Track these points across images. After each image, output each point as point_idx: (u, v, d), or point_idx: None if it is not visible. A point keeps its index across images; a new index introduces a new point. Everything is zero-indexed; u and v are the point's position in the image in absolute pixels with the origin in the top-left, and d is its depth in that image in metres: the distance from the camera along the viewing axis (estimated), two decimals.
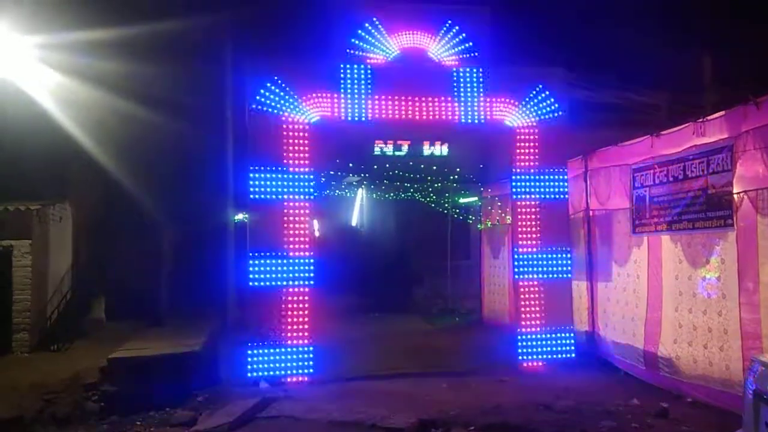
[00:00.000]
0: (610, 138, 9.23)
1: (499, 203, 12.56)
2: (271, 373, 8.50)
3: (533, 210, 9.38)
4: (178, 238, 15.26)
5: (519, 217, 9.43)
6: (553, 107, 9.46)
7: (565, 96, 9.66)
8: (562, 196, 9.49)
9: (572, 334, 9.38)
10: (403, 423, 6.72)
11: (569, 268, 9.41)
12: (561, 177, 9.50)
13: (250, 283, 8.54)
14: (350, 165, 11.93)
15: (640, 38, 14.26)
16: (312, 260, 8.71)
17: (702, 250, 7.12)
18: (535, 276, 9.30)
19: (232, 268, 12.20)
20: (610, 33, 14.45)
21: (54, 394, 8.36)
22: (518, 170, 9.44)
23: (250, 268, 8.53)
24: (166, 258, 14.96)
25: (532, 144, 9.45)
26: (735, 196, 6.56)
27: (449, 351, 10.90)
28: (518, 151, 9.45)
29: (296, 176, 8.72)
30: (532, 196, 9.38)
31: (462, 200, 15.03)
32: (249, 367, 8.46)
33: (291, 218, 8.66)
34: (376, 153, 9.51)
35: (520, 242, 9.37)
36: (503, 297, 12.61)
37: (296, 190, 8.71)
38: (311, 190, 8.82)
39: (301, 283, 8.63)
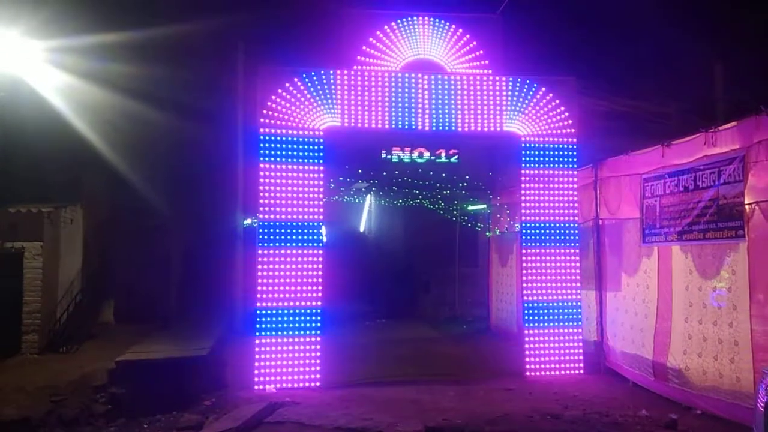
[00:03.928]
0: (620, 147, 9.21)
1: (507, 211, 12.54)
2: (278, 378, 8.49)
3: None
4: (187, 242, 15.35)
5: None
6: (563, 116, 9.46)
7: (576, 105, 9.65)
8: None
9: (580, 343, 9.33)
10: (409, 430, 6.70)
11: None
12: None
13: (258, 288, 8.54)
14: (359, 171, 11.97)
15: (652, 46, 14.24)
16: (321, 260, 8.71)
17: (713, 261, 7.07)
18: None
19: (240, 272, 12.24)
20: (621, 41, 14.44)
21: (62, 396, 8.41)
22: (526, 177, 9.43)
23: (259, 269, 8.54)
24: (175, 261, 15.06)
25: (541, 153, 9.44)
26: (746, 206, 6.52)
27: (456, 358, 10.87)
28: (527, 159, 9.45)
29: (307, 181, 8.75)
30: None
31: (470, 207, 15.02)
32: (256, 371, 8.47)
33: (302, 223, 8.68)
34: (386, 159, 9.51)
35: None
36: (511, 305, 12.56)
37: (308, 194, 8.73)
38: (322, 194, 8.85)
39: (311, 287, 8.63)
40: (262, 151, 8.71)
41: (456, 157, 9.52)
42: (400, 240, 18.19)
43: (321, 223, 8.82)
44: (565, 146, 9.47)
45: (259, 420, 7.09)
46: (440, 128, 9.18)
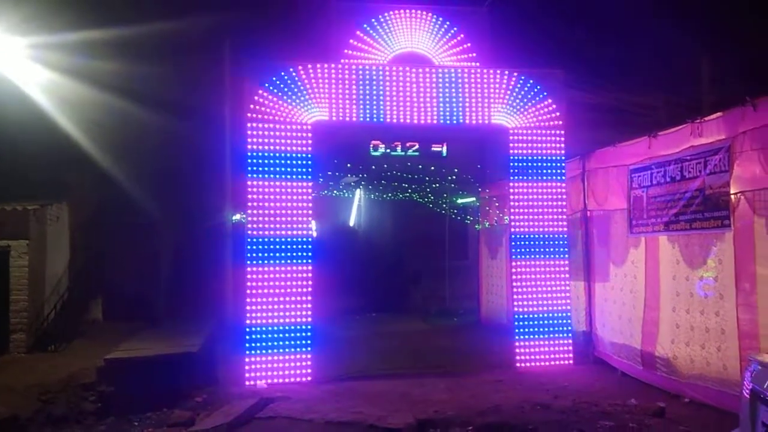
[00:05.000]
0: (607, 138, 9.25)
1: (496, 203, 12.58)
2: (269, 373, 8.49)
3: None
4: (175, 239, 15.25)
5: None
6: (551, 108, 9.48)
7: (563, 97, 9.67)
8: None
9: (570, 334, 9.40)
10: (400, 423, 6.72)
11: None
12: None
13: (248, 283, 8.52)
14: (348, 165, 11.94)
15: (638, 38, 14.29)
16: (311, 261, 8.71)
17: (699, 251, 7.14)
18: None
19: (229, 268, 12.19)
20: (608, 34, 14.47)
21: (51, 395, 8.36)
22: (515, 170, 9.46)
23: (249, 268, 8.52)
24: (164, 258, 14.96)
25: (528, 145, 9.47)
26: (732, 196, 6.58)
27: (447, 351, 10.90)
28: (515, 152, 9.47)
29: (296, 176, 8.72)
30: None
31: (460, 201, 15.05)
32: (247, 367, 8.45)
33: (292, 218, 8.66)
34: (373, 153, 9.48)
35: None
36: (501, 297, 12.62)
37: (296, 189, 8.71)
38: (311, 190, 8.83)
39: (301, 283, 8.62)
40: (249, 146, 8.67)
41: (444, 150, 9.52)
42: (390, 234, 18.20)
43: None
44: (553, 138, 9.50)
45: (251, 415, 7.08)
46: (428, 121, 9.17)
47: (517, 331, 9.33)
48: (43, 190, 12.05)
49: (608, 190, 9.00)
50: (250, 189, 8.61)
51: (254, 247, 8.56)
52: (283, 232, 8.62)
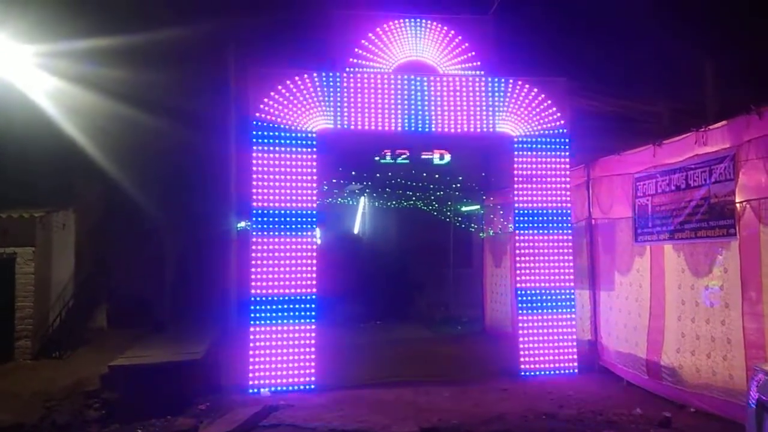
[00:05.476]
0: (612, 146, 9.24)
1: (501, 211, 12.57)
2: (273, 380, 8.48)
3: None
4: (180, 246, 15.30)
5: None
6: (555, 116, 9.49)
7: (568, 105, 9.68)
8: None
9: (574, 342, 9.36)
10: (404, 431, 6.70)
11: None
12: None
13: (252, 290, 8.53)
14: (353, 173, 11.97)
15: (643, 47, 14.31)
16: (314, 268, 8.71)
17: (704, 260, 7.11)
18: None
19: (234, 275, 12.21)
20: (613, 41, 14.50)
21: (55, 402, 8.36)
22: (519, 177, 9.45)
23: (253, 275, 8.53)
24: (169, 265, 15.00)
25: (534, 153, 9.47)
26: (737, 205, 6.56)
27: (451, 359, 10.87)
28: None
29: (301, 184, 8.75)
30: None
31: (464, 208, 15.04)
32: (250, 375, 8.45)
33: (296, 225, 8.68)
34: (379, 161, 9.51)
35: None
36: (505, 305, 12.58)
37: (301, 197, 8.73)
38: (315, 198, 8.84)
39: (305, 291, 8.62)
40: (255, 151, 8.70)
41: (449, 158, 9.53)
42: (395, 241, 18.19)
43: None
44: (558, 146, 9.50)
45: (254, 423, 7.08)
46: (433, 130, 9.19)
47: (521, 339, 9.30)
48: (50, 197, 12.11)
49: (613, 198, 8.99)
50: (255, 195, 8.63)
51: (259, 254, 8.57)
52: (289, 238, 8.63)
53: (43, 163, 11.82)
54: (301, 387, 8.53)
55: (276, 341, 8.52)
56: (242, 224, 13.24)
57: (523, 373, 9.19)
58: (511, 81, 9.43)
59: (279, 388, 8.45)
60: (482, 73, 9.43)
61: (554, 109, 9.49)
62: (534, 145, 9.47)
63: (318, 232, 9.22)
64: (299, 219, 8.69)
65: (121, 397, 8.34)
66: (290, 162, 8.74)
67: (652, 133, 9.63)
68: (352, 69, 9.14)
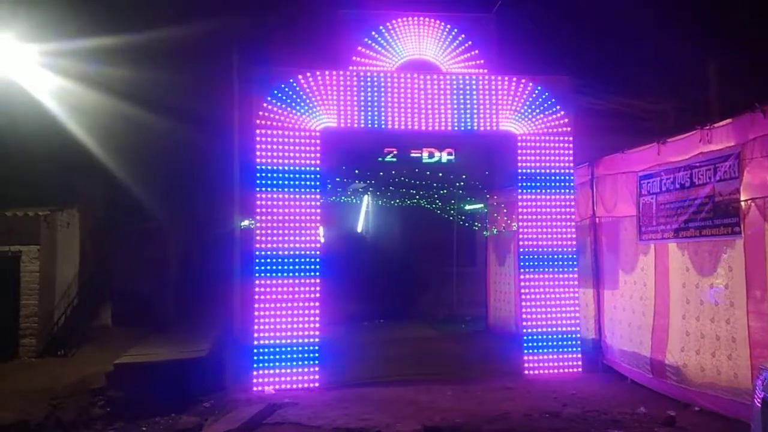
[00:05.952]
0: (616, 145, 9.21)
1: (504, 210, 12.55)
2: (276, 379, 8.49)
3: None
4: (184, 244, 15.34)
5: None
6: (559, 114, 9.47)
7: (571, 103, 9.66)
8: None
9: (578, 341, 9.35)
10: (408, 430, 6.70)
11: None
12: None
13: (257, 289, 8.54)
14: (356, 172, 11.97)
15: (647, 45, 14.26)
16: (318, 262, 8.71)
17: (709, 258, 7.08)
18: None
19: (237, 274, 12.22)
20: (617, 40, 14.46)
21: (60, 400, 8.40)
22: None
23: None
24: (173, 264, 15.04)
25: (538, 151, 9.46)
26: (742, 203, 6.53)
27: (454, 358, 10.88)
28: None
29: (304, 182, 8.75)
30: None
31: (467, 207, 15.02)
32: (254, 373, 8.46)
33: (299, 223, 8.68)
34: (383, 160, 9.50)
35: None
36: (509, 304, 12.57)
37: (304, 195, 8.73)
38: (319, 195, 8.85)
39: (309, 289, 8.63)
40: (258, 152, 8.70)
41: (452, 156, 9.52)
42: (398, 240, 18.19)
43: (318, 215, 8.76)
44: (562, 144, 9.48)
45: (258, 421, 7.09)
46: (436, 128, 9.18)
47: (525, 338, 9.29)
48: (54, 196, 12.15)
49: (617, 196, 8.96)
50: (258, 197, 8.64)
51: (262, 253, 8.57)
52: (292, 244, 8.62)
53: (47, 162, 11.86)
54: (305, 385, 8.52)
55: (279, 340, 8.52)
56: (245, 223, 13.25)
57: (526, 372, 9.18)
58: (514, 79, 9.41)
59: (283, 386, 8.45)
60: (485, 71, 9.42)
61: (558, 107, 9.47)
62: (538, 144, 9.45)
63: (321, 230, 9.22)
64: (303, 222, 8.68)
65: (125, 395, 8.38)
66: (293, 162, 8.75)
67: (657, 131, 9.60)
68: (355, 68, 9.14)
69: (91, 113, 11.86)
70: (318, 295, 8.65)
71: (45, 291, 11.59)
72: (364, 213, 19.75)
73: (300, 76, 8.87)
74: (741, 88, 10.93)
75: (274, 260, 8.54)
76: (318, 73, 8.94)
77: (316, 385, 8.54)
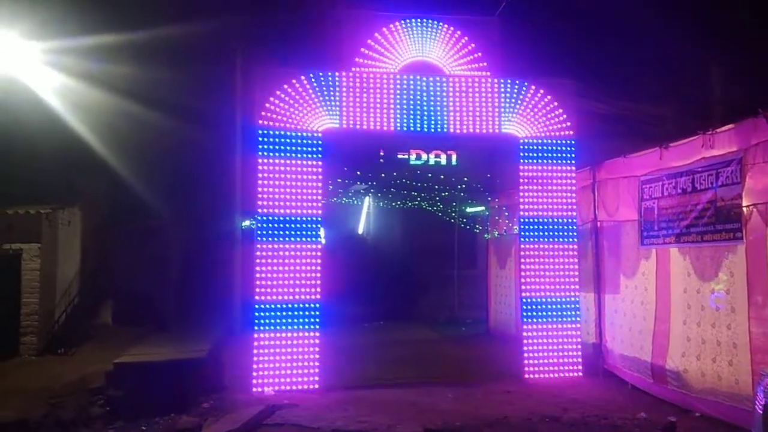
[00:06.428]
0: (618, 149, 9.21)
1: (506, 213, 12.54)
2: (277, 380, 8.48)
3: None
4: (185, 244, 15.33)
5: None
6: (561, 118, 9.47)
7: (574, 107, 9.66)
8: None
9: (579, 346, 9.34)
10: None
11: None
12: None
13: (257, 289, 8.54)
14: (358, 173, 11.97)
15: (649, 49, 14.26)
16: (319, 263, 8.71)
17: (711, 263, 7.08)
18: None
19: (238, 274, 12.23)
20: (619, 44, 14.46)
21: (60, 398, 8.37)
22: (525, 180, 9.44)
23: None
24: (174, 263, 15.03)
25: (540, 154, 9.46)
26: (744, 209, 6.53)
27: (455, 361, 10.86)
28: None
29: (306, 183, 8.76)
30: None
31: (469, 209, 15.02)
32: (254, 374, 8.45)
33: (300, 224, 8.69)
34: (384, 161, 9.51)
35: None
36: (510, 307, 12.56)
37: (306, 197, 8.74)
38: (320, 197, 8.85)
39: (309, 290, 8.63)
40: (260, 152, 8.71)
41: (455, 159, 9.52)
42: (399, 242, 18.19)
43: (319, 219, 8.80)
44: (564, 147, 9.48)
45: (258, 422, 7.08)
46: (439, 130, 9.19)
47: (525, 342, 9.28)
48: (56, 194, 12.15)
49: (619, 200, 8.96)
50: (260, 196, 8.64)
51: (263, 253, 8.58)
52: (293, 244, 8.63)
53: (49, 160, 11.87)
54: (305, 387, 8.52)
55: (280, 341, 8.52)
56: (247, 223, 13.26)
57: (527, 376, 9.17)
58: (517, 82, 9.41)
59: (283, 387, 8.45)
60: (488, 74, 9.42)
61: (560, 110, 9.47)
62: (540, 147, 9.45)
63: (322, 232, 9.22)
64: (304, 224, 8.68)
65: (125, 395, 8.35)
66: (294, 160, 8.74)
67: (659, 136, 9.59)
68: (358, 69, 9.14)
69: (93, 111, 11.87)
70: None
71: (46, 289, 11.58)
72: (366, 214, 19.76)
73: (303, 76, 8.87)
74: (742, 88, 10.92)
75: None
76: (321, 73, 8.95)
77: (316, 386, 8.53)
